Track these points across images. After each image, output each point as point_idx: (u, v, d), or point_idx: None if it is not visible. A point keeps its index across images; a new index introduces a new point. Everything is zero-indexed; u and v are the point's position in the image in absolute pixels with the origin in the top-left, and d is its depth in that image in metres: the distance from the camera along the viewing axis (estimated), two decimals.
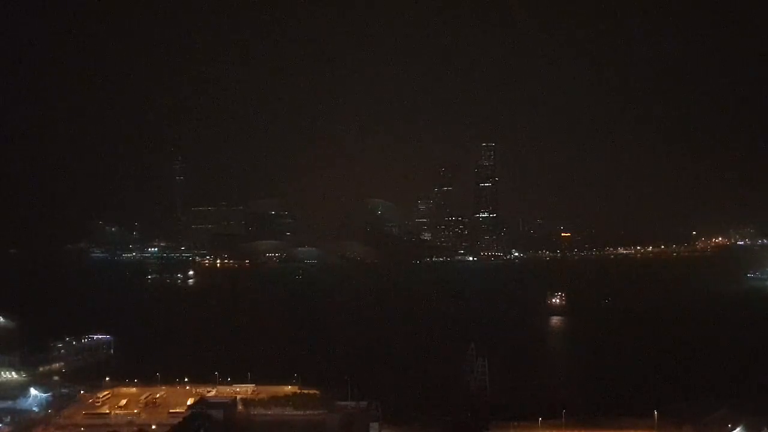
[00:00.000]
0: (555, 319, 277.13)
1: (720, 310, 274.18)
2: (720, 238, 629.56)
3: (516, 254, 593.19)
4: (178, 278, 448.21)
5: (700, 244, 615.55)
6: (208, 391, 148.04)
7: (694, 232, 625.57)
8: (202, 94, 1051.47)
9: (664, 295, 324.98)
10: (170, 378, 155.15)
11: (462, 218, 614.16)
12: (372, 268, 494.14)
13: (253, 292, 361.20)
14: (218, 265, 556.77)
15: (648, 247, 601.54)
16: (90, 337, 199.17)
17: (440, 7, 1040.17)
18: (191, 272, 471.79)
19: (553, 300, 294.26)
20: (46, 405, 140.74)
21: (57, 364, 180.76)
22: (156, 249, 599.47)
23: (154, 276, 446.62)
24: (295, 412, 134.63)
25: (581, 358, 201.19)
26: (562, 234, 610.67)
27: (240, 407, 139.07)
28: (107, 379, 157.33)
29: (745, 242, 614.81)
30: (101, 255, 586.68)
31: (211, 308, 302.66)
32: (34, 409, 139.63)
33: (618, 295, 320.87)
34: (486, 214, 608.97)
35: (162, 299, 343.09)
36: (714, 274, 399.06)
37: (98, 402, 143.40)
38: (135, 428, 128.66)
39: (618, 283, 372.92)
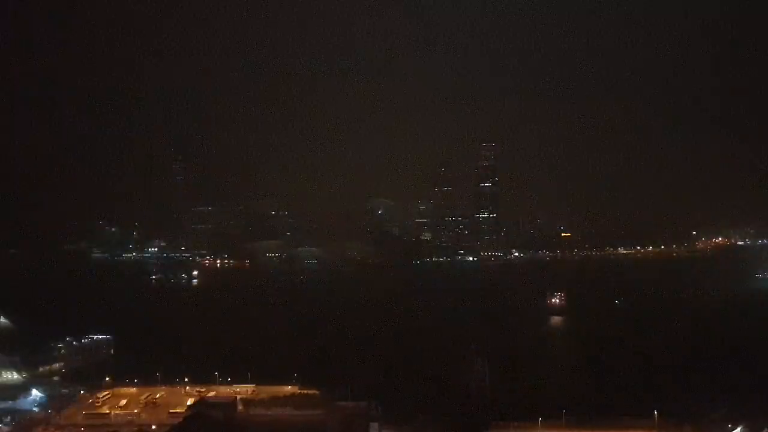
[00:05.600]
0: (555, 319, 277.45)
1: (728, 311, 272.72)
2: (720, 238, 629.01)
3: (516, 254, 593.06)
4: (183, 278, 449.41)
5: (700, 244, 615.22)
6: (208, 391, 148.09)
7: (694, 232, 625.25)
8: (202, 94, 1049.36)
9: (671, 295, 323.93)
10: (170, 378, 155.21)
11: (462, 218, 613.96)
12: (372, 268, 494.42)
13: (255, 292, 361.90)
14: (218, 265, 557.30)
15: (648, 247, 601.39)
16: (90, 337, 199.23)
17: (440, 6, 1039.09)
18: (195, 272, 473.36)
19: (553, 300, 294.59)
20: (46, 405, 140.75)
21: (57, 364, 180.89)
22: (156, 249, 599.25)
23: (158, 276, 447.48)
24: (295, 412, 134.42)
25: (581, 358, 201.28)
26: (562, 234, 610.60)
27: (240, 407, 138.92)
28: (107, 379, 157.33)
29: (745, 242, 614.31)
30: (101, 255, 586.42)
31: (215, 308, 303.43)
32: (34, 409, 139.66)
33: (624, 294, 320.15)
34: (486, 214, 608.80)
35: (169, 299, 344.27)
36: (718, 274, 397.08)
37: (98, 402, 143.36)
38: (135, 428, 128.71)
39: (621, 283, 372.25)
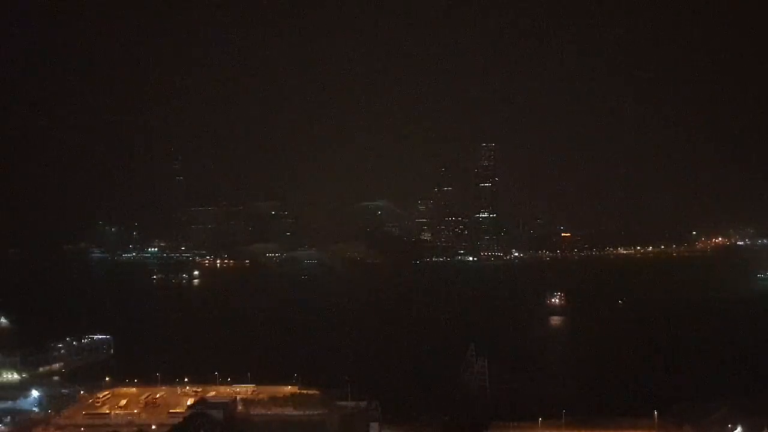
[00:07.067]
0: (555, 319, 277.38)
1: (729, 311, 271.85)
2: (720, 238, 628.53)
3: (516, 254, 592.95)
4: (184, 278, 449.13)
5: (700, 244, 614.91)
6: (208, 391, 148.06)
7: (694, 232, 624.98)
8: (202, 94, 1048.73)
9: (674, 295, 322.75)
10: (170, 378, 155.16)
11: (462, 218, 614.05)
12: (372, 268, 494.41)
13: (255, 293, 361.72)
14: (218, 265, 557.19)
15: (648, 247, 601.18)
16: (90, 337, 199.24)
17: (440, 8, 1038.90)
18: (196, 272, 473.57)
19: (553, 300, 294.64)
20: (46, 405, 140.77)
21: (57, 364, 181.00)
22: (156, 249, 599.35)
23: (159, 276, 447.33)
24: (295, 412, 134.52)
25: (581, 358, 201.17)
26: (562, 234, 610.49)
27: (240, 407, 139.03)
28: (107, 379, 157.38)
29: (745, 242, 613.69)
30: (101, 255, 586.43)
31: (215, 308, 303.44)
32: (34, 409, 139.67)
33: (623, 295, 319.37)
34: (486, 214, 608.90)
35: (169, 299, 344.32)
36: (720, 274, 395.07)
37: (98, 402, 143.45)
38: (135, 428, 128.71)
39: (620, 283, 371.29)
